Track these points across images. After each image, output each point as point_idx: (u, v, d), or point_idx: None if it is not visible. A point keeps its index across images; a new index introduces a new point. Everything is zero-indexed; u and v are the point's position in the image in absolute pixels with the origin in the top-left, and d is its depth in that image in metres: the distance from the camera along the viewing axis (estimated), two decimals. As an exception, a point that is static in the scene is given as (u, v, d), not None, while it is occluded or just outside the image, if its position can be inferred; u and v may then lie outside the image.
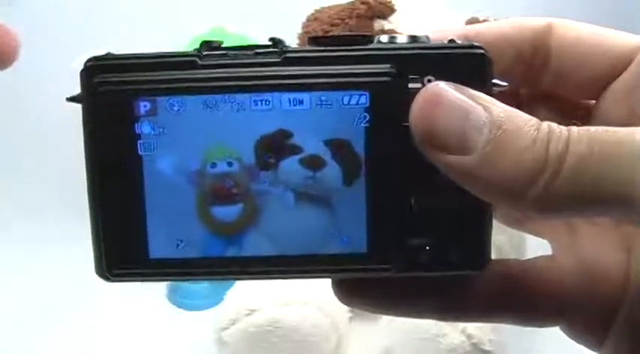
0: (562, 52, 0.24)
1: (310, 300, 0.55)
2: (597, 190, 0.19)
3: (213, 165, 0.22)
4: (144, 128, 0.22)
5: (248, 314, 0.54)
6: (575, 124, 0.20)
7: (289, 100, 0.22)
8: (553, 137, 0.19)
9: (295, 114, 0.22)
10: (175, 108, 0.22)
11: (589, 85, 0.24)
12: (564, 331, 0.25)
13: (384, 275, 0.23)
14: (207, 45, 0.22)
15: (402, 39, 0.22)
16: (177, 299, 0.73)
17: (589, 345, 0.25)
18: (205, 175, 0.22)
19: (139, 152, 0.22)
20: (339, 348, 0.60)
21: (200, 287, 0.73)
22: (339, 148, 0.22)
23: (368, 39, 0.22)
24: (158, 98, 0.22)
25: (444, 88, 0.20)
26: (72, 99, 0.22)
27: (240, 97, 0.22)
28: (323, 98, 0.22)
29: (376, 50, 0.22)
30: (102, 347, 0.66)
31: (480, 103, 0.20)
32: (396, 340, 0.57)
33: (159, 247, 0.23)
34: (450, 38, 0.22)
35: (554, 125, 0.20)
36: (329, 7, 0.71)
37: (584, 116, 0.25)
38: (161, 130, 0.22)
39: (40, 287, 0.72)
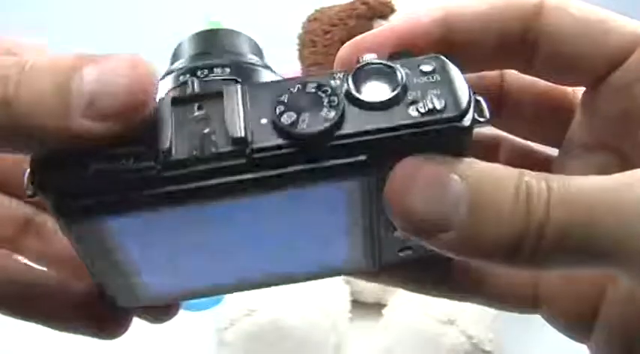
0: (552, 37, 0.22)
1: (310, 300, 0.55)
2: (583, 254, 0.18)
3: None
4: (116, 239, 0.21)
5: (248, 314, 0.54)
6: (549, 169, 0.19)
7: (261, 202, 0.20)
8: (532, 199, 0.18)
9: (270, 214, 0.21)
10: (140, 224, 0.20)
11: (582, 74, 0.22)
12: (546, 321, 0.24)
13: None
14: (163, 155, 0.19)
15: (377, 72, 0.20)
16: (177, 299, 0.73)
17: (575, 339, 0.24)
18: None
19: (115, 240, 0.21)
20: (339, 348, 0.60)
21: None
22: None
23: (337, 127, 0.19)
24: (120, 218, 0.20)
25: (416, 163, 0.19)
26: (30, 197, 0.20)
27: (205, 207, 0.20)
28: (296, 195, 0.20)
29: (349, 138, 0.19)
30: (102, 347, 0.66)
31: (456, 173, 0.19)
32: (396, 340, 0.57)
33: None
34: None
35: (533, 184, 0.19)
36: (329, 7, 0.71)
37: (570, 109, 0.24)
38: (132, 244, 0.21)
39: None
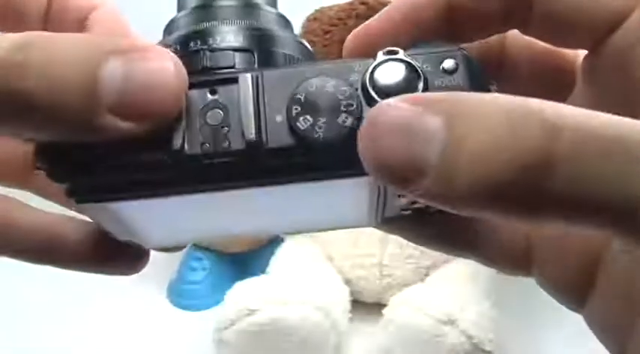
0: None
1: (310, 300, 0.55)
2: (592, 204, 0.15)
3: None
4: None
5: (248, 314, 0.54)
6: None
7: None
8: (531, 126, 0.15)
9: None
10: (148, 205, 0.20)
11: (581, 35, 0.21)
12: (539, 286, 0.23)
13: None
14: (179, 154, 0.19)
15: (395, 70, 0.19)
16: (177, 299, 0.73)
17: (567, 306, 0.23)
18: None
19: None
20: (339, 348, 0.60)
21: (200, 287, 0.73)
22: None
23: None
24: (127, 202, 0.20)
25: (386, 104, 0.17)
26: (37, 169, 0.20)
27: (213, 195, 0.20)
28: (305, 186, 0.20)
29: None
30: (102, 347, 0.66)
31: (429, 106, 0.16)
32: (396, 340, 0.57)
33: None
34: None
35: (533, 111, 0.15)
36: (329, 8, 0.71)
37: (571, 72, 0.23)
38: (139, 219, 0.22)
39: (40, 287, 0.72)
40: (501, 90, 0.24)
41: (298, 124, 0.18)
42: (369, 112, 0.17)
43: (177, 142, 0.18)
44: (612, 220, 0.16)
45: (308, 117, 0.19)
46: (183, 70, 0.18)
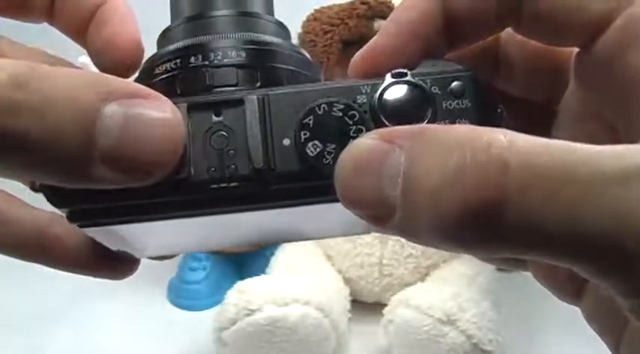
0: None
1: (310, 300, 0.55)
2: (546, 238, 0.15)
3: None
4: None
5: (248, 314, 0.54)
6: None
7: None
8: (480, 163, 0.15)
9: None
10: (147, 226, 0.20)
11: (569, 35, 0.20)
12: (537, 281, 0.23)
13: None
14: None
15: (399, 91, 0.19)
16: (177, 299, 0.73)
17: (566, 300, 0.22)
18: None
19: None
20: (339, 348, 0.60)
21: (200, 287, 0.73)
22: None
23: None
24: (132, 224, 0.20)
25: (354, 144, 0.17)
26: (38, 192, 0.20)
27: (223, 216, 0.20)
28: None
29: None
30: (102, 347, 0.66)
31: (396, 142, 0.16)
32: (396, 340, 0.57)
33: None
34: None
35: (482, 148, 0.15)
36: (329, 7, 0.71)
37: (565, 67, 0.22)
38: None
39: (39, 287, 0.72)
40: (500, 85, 0.24)
41: (307, 150, 0.18)
42: (343, 151, 0.17)
43: (184, 170, 0.18)
44: (565, 255, 0.15)
45: (317, 142, 0.18)
46: (182, 121, 0.17)
